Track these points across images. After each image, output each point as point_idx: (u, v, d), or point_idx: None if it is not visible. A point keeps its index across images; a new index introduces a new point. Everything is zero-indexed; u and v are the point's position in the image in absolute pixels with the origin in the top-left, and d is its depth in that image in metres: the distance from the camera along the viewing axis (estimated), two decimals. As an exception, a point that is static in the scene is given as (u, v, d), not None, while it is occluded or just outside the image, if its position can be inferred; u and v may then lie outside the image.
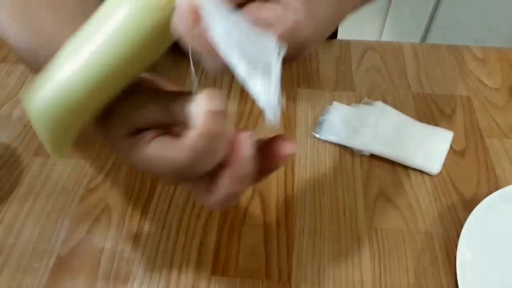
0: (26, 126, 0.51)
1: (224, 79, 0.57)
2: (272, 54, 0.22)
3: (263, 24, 0.23)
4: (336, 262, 0.40)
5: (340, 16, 0.28)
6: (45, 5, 0.34)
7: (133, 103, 0.28)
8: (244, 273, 0.40)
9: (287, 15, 0.23)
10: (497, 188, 0.44)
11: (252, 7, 0.24)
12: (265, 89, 0.22)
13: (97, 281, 0.39)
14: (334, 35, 0.65)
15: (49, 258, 0.41)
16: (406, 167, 0.47)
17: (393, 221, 0.43)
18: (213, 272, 0.40)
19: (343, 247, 0.41)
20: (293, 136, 0.50)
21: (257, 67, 0.22)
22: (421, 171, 0.47)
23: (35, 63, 0.33)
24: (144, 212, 0.44)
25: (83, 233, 0.42)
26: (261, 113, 0.53)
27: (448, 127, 0.51)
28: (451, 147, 0.48)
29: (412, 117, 0.51)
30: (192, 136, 0.25)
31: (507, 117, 0.52)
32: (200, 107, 0.24)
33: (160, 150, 0.27)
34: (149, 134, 0.28)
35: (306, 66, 0.58)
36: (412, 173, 0.47)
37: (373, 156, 0.48)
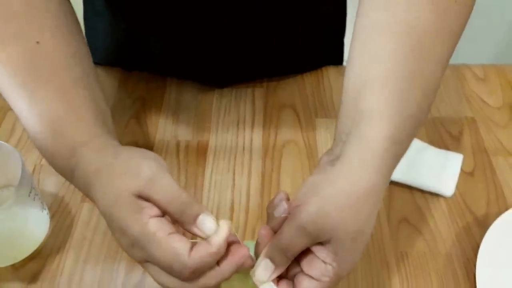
0: (70, 174, 0.55)
1: (247, 110, 0.61)
2: None
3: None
4: (369, 287, 0.45)
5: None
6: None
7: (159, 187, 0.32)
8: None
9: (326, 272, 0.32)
10: (506, 206, 0.50)
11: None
12: None
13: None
14: (341, 60, 0.69)
15: (112, 302, 0.45)
16: (422, 191, 0.52)
17: (416, 244, 0.48)
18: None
19: (374, 272, 0.46)
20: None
21: None
22: (436, 194, 0.51)
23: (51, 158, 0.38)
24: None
25: (139, 276, 0.47)
26: (284, 144, 0.57)
27: (457, 149, 0.55)
28: (461, 168, 0.53)
29: (424, 141, 0.56)
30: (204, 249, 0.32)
31: (511, 136, 0.56)
32: (221, 235, 0.33)
33: (166, 237, 0.32)
34: (152, 209, 0.32)
35: (320, 95, 0.62)
36: (428, 197, 0.51)
37: (393, 182, 0.52)
